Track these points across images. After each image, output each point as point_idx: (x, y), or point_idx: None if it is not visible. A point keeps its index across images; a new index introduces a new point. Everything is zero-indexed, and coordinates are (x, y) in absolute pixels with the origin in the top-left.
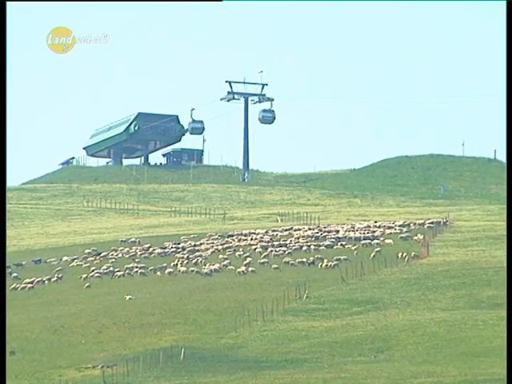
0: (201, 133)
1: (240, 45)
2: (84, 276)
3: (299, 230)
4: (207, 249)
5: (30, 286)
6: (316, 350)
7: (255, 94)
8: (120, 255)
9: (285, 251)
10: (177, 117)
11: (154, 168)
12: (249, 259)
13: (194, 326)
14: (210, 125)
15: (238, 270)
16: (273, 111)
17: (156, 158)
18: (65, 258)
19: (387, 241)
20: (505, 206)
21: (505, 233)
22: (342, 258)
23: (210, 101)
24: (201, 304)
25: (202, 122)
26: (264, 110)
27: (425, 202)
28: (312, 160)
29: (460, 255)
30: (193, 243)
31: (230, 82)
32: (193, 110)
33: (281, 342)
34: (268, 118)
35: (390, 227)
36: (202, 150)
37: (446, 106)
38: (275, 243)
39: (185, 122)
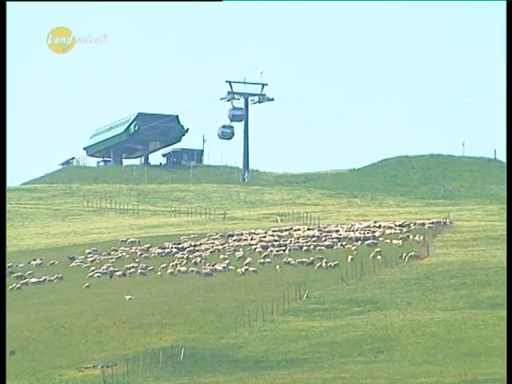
0: (241, 120)
1: (240, 45)
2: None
3: (299, 230)
4: (207, 249)
5: (29, 285)
6: (316, 350)
7: (255, 94)
8: (120, 255)
9: (285, 251)
10: (177, 117)
11: (153, 168)
12: (249, 259)
13: (194, 326)
14: (210, 125)
15: (238, 269)
16: (232, 127)
17: (156, 158)
18: (65, 258)
19: (387, 241)
20: (505, 206)
21: (505, 233)
22: (349, 257)
23: (210, 101)
24: (201, 304)
25: (242, 109)
26: (223, 126)
27: (425, 201)
28: (312, 160)
29: (460, 255)
30: (193, 243)
31: (230, 82)
32: (234, 97)
33: (281, 341)
34: (227, 133)
35: (389, 227)
36: (202, 150)
37: (446, 105)
38: (275, 243)
39: (222, 110)
